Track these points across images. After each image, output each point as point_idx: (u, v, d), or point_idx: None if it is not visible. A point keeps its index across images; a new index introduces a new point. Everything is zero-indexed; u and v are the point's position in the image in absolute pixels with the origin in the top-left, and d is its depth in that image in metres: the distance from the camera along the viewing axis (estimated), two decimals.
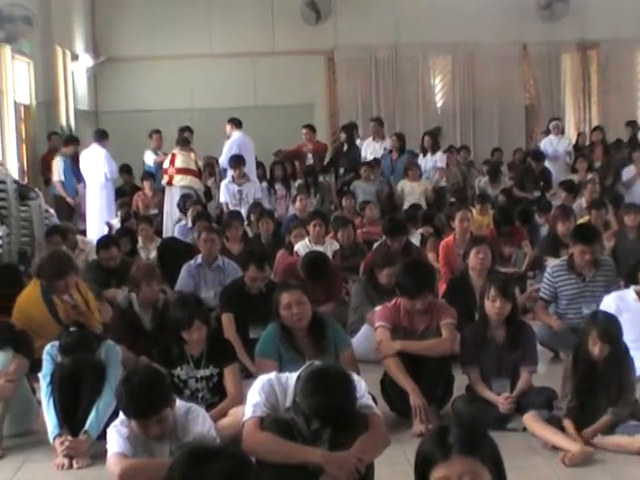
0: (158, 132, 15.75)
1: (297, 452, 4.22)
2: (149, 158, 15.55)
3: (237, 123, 14.38)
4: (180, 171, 13.66)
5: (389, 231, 9.83)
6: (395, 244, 9.47)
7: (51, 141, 15.13)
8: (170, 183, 13.67)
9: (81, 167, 14.18)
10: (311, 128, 15.85)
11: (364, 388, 4.45)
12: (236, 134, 14.26)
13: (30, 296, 7.74)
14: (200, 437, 4.57)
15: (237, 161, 13.48)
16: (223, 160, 14.23)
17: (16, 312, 7.62)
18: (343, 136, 16.22)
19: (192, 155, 14.11)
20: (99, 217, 13.61)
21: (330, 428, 4.26)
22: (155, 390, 4.63)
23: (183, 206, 12.90)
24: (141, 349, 7.19)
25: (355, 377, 4.48)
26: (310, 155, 15.50)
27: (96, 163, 13.91)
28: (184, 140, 14.37)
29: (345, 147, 16.01)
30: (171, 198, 13.55)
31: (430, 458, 2.57)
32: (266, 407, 4.37)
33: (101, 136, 14.27)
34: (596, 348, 5.70)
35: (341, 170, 15.65)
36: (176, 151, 13.92)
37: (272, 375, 4.53)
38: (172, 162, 13.77)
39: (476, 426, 2.69)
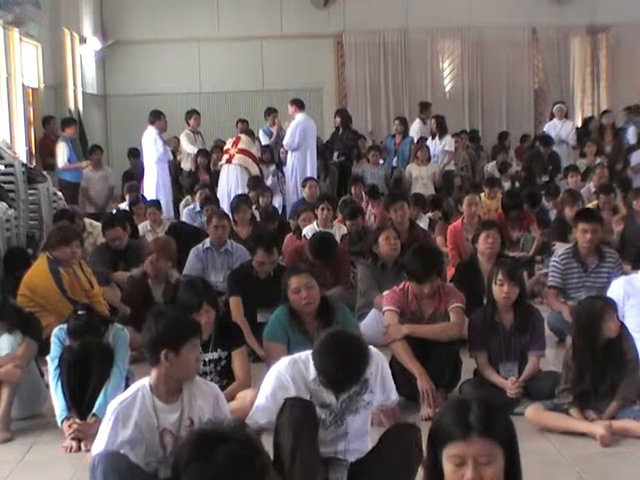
0: (197, 113, 15.55)
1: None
2: (184, 141, 15.43)
3: (300, 105, 14.27)
4: (241, 151, 13.71)
5: (389, 204, 9.68)
6: (398, 214, 9.37)
7: (47, 126, 15.05)
8: (229, 161, 13.71)
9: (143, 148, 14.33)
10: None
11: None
12: (299, 116, 14.19)
13: (37, 269, 7.83)
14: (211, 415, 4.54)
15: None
16: (287, 142, 14.22)
17: (22, 287, 7.68)
18: (338, 120, 16.16)
19: (253, 147, 14.19)
20: (155, 196, 13.46)
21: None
22: None
23: (190, 187, 12.86)
24: None
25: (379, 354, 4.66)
26: None
27: (148, 144, 13.96)
28: (248, 131, 14.54)
29: (340, 131, 15.97)
30: (227, 177, 13.61)
31: (448, 434, 2.54)
32: (267, 415, 4.47)
33: (154, 117, 14.13)
34: (612, 325, 5.71)
35: (335, 154, 15.61)
36: (242, 135, 14.04)
37: (295, 355, 4.61)
38: (235, 143, 13.85)
39: (496, 406, 2.65)
